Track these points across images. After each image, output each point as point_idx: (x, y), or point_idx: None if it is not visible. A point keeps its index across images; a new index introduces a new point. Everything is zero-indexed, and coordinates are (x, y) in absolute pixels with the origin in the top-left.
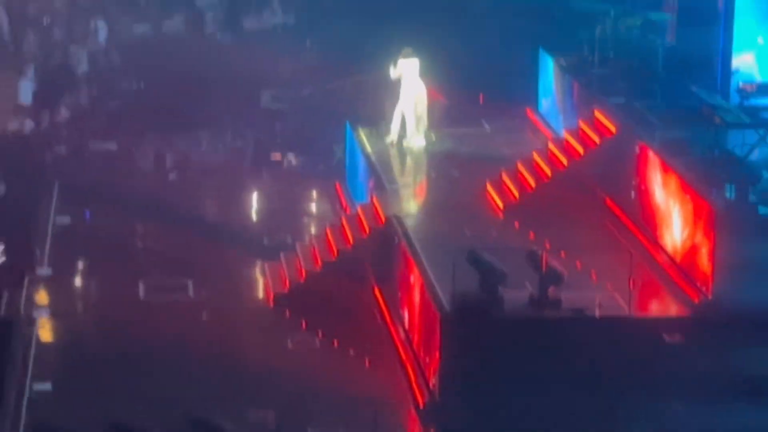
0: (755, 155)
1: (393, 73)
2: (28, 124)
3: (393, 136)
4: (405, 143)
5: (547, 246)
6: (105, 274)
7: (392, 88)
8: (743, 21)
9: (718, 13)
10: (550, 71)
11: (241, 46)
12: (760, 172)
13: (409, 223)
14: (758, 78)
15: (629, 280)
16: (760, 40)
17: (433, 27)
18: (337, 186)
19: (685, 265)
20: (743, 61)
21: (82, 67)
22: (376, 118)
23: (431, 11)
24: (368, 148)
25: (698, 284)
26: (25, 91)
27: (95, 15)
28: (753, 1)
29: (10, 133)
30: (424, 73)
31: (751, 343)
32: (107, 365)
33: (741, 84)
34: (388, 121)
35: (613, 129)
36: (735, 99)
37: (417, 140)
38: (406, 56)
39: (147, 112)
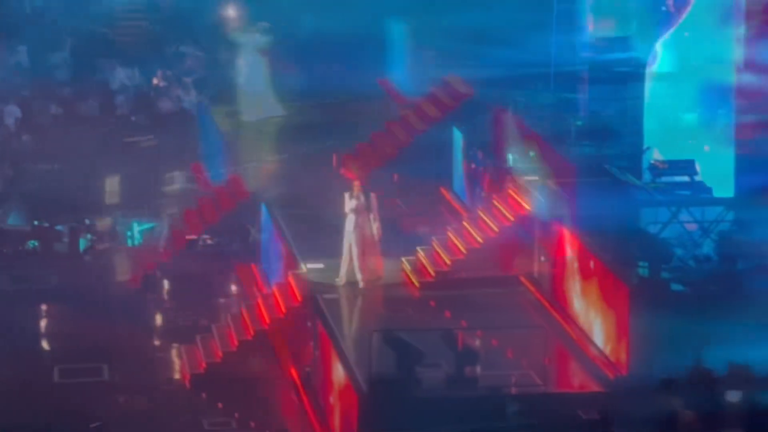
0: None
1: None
2: None
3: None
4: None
5: (463, 324)
6: (19, 358)
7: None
8: None
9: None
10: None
11: (154, 125)
12: (673, 250)
13: (325, 302)
14: None
15: (544, 357)
16: None
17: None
18: (252, 266)
19: (600, 342)
20: None
21: None
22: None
23: None
24: (284, 228)
25: (613, 360)
26: None
27: (8, 101)
28: None
29: None
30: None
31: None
32: None
33: (653, 161)
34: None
35: (527, 207)
36: (647, 176)
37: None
38: None
39: (62, 193)
